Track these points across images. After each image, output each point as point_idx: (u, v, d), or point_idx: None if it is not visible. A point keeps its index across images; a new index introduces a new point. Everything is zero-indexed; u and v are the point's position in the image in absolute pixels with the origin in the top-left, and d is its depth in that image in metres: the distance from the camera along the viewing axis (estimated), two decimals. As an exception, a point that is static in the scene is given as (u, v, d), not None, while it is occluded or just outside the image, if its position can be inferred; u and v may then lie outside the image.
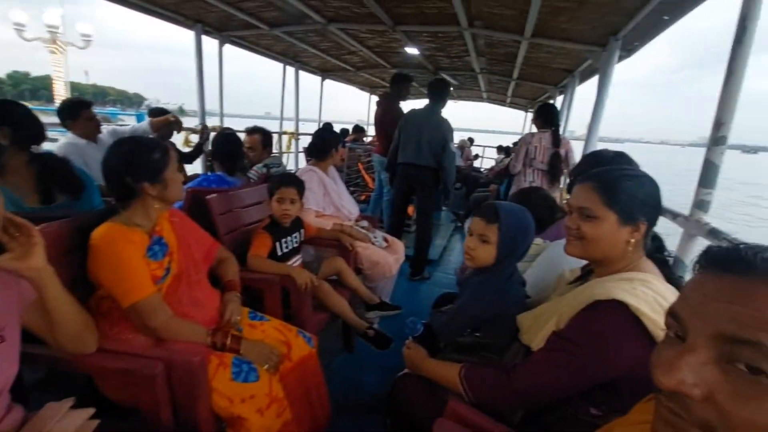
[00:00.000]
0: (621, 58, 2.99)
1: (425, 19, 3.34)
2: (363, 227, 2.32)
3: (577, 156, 3.07)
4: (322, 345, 1.46)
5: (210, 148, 2.90)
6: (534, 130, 3.19)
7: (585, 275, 1.02)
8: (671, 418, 0.39)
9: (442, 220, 5.09)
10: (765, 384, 0.34)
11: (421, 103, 3.02)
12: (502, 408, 0.95)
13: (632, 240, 0.87)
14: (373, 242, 2.23)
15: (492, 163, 7.80)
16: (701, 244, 1.32)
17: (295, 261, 1.77)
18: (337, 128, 6.85)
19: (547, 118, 3.03)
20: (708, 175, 1.33)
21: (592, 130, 2.96)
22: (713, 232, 1.19)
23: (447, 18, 3.17)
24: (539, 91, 6.07)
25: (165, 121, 2.60)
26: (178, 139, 3.74)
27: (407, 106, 3.56)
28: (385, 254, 2.16)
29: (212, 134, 3.31)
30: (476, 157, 7.70)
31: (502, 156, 6.92)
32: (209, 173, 2.14)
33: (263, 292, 1.51)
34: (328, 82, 6.63)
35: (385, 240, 2.31)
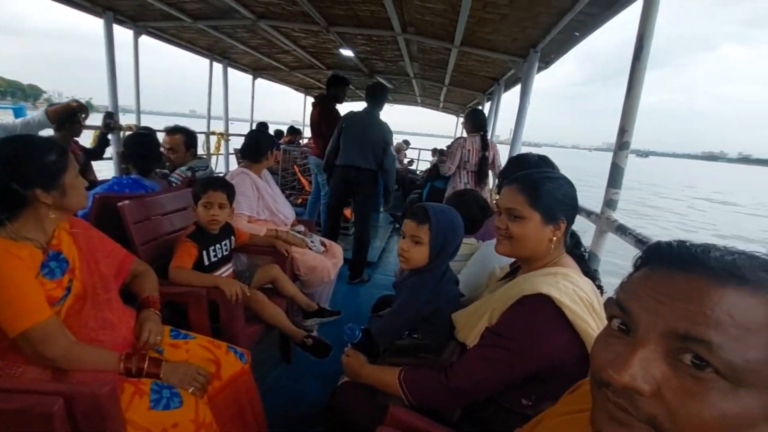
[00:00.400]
0: (540, 69, 3.24)
1: (359, 22, 3.34)
2: (299, 232, 2.25)
3: (503, 159, 3.28)
4: (257, 357, 1.37)
5: (122, 149, 2.57)
6: (465, 134, 3.35)
7: (513, 272, 1.08)
8: (618, 413, 0.39)
9: (381, 221, 5.13)
10: (709, 378, 0.35)
11: (356, 106, 3.02)
12: (442, 407, 0.97)
13: (554, 238, 0.93)
14: (311, 247, 2.17)
15: (428, 165, 8.06)
16: (612, 239, 1.47)
17: (226, 270, 1.66)
18: (272, 129, 6.60)
19: (477, 123, 3.20)
20: (615, 177, 1.48)
21: (516, 134, 3.18)
22: (621, 228, 1.32)
23: (380, 22, 3.21)
24: (469, 97, 6.39)
25: (65, 108, 1.99)
26: (86, 140, 3.34)
27: (343, 108, 3.54)
28: (323, 259, 2.11)
29: (127, 133, 2.99)
30: (411, 162, 7.88)
31: (437, 158, 7.17)
32: (123, 177, 1.91)
33: (188, 307, 1.38)
34: (260, 81, 6.37)
35: (323, 244, 2.26)
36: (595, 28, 2.45)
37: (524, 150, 1.84)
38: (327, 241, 2.32)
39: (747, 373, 0.34)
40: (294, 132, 6.44)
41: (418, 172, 7.80)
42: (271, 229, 2.09)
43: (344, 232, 3.73)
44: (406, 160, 7.76)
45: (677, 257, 0.40)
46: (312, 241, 2.23)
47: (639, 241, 1.17)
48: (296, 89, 7.71)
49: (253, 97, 6.51)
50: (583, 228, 1.28)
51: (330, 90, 3.65)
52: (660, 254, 0.42)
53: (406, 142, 7.83)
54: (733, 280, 0.36)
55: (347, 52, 4.22)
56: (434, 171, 4.37)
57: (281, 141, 5.94)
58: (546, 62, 3.31)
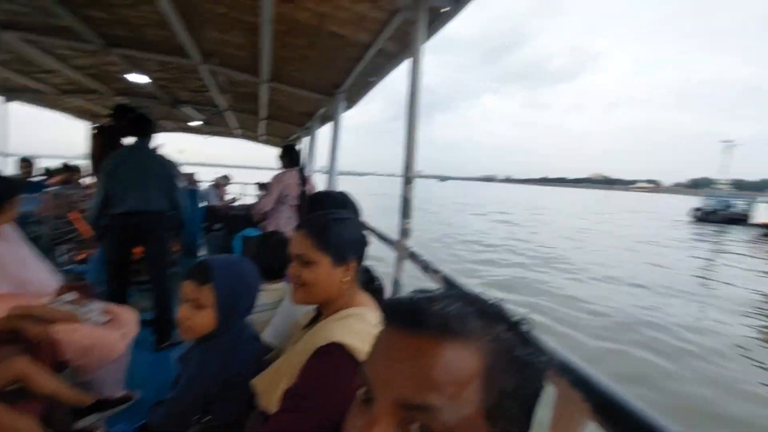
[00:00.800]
0: (347, 108, 3.51)
1: (148, 46, 2.95)
2: (68, 302, 1.74)
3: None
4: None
5: None
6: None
7: (316, 317, 1.05)
8: None
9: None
10: None
11: (159, 138, 2.62)
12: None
13: (346, 279, 0.94)
14: (86, 319, 1.70)
15: (254, 199, 7.63)
16: (409, 265, 1.62)
17: None
18: (42, 164, 5.15)
19: (292, 159, 3.20)
20: (406, 209, 1.66)
21: (332, 167, 3.32)
22: (412, 255, 1.47)
23: (174, 48, 2.91)
24: (289, 131, 6.43)
25: None
26: None
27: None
28: (104, 332, 1.67)
29: None
30: (233, 200, 7.31)
31: (264, 192, 6.88)
32: None
33: None
34: (18, 105, 4.91)
35: (106, 312, 1.80)
36: (385, 75, 2.79)
37: (350, 180, 1.92)
38: (112, 307, 1.86)
39: (463, 430, 0.34)
40: (70, 170, 5.13)
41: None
42: (17, 306, 1.53)
43: (145, 286, 3.11)
44: (228, 197, 7.17)
45: (405, 315, 0.39)
46: (90, 311, 1.75)
47: (426, 267, 1.31)
48: (78, 116, 6.27)
49: (5, 126, 4.95)
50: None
51: (118, 123, 3.08)
52: (392, 313, 0.41)
53: (226, 177, 7.25)
54: (448, 334, 0.36)
55: (140, 78, 3.68)
56: (240, 220, 4.04)
57: (52, 181, 4.66)
58: (351, 102, 3.60)
